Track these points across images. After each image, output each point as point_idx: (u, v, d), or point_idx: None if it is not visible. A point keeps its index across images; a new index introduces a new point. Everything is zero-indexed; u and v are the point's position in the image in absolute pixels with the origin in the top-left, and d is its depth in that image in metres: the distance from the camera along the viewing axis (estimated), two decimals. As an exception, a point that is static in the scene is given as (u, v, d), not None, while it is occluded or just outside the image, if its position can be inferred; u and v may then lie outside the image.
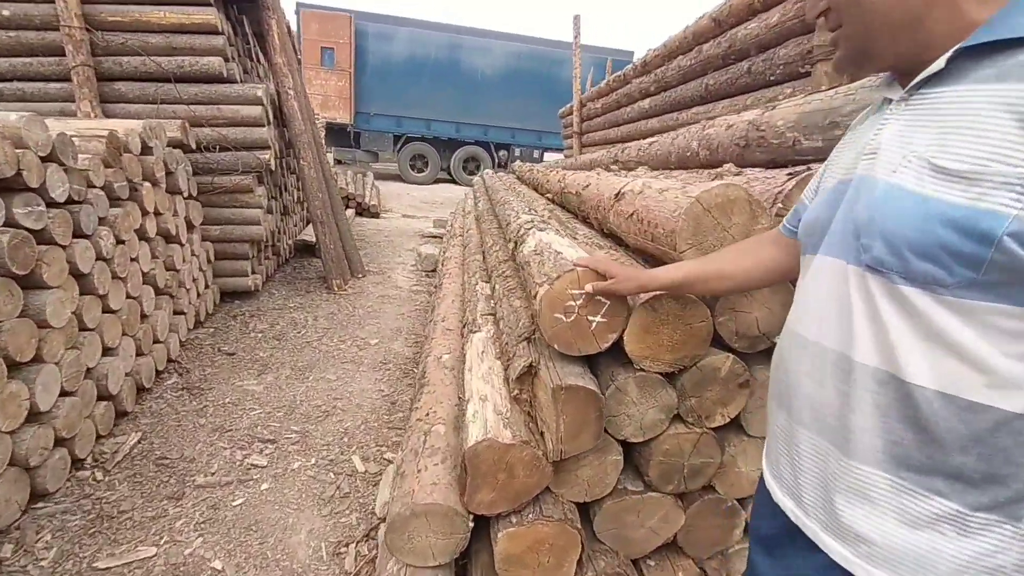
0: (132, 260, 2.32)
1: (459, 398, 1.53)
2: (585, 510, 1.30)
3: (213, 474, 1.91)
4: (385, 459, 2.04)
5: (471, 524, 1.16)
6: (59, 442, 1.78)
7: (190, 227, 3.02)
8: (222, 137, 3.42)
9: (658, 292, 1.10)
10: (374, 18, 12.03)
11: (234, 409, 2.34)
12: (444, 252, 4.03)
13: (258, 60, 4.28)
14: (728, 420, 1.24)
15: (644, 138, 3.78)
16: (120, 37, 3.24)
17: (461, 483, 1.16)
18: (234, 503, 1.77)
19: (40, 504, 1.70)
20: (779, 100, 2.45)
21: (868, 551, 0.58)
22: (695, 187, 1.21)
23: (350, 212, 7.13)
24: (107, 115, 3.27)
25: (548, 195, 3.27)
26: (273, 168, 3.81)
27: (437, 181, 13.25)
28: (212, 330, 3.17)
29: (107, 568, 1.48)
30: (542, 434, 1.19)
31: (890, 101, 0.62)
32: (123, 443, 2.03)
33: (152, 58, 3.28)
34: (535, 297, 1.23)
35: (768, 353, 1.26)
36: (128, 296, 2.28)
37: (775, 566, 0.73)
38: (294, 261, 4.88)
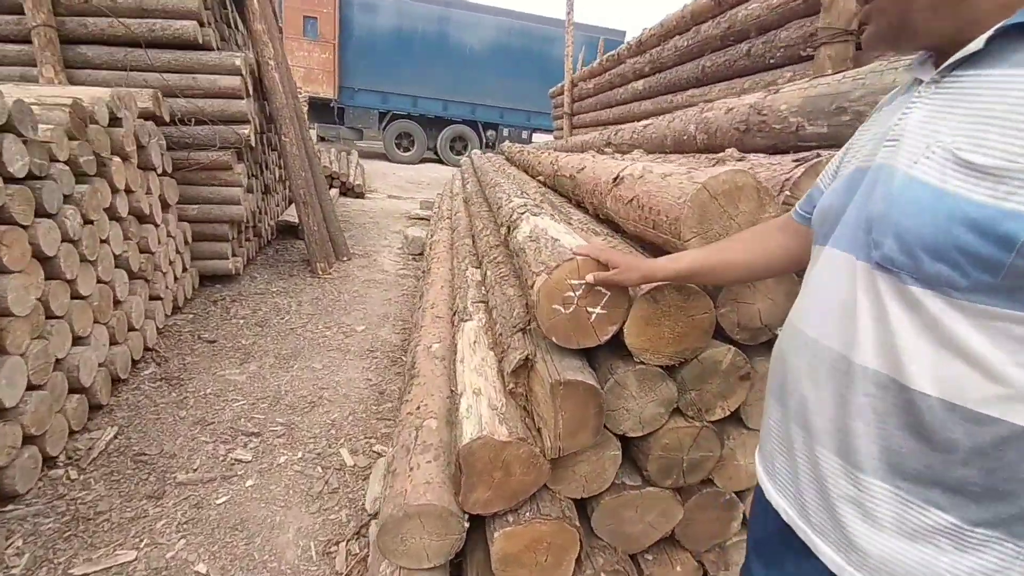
0: (102, 242, 2.19)
1: (451, 391, 1.48)
2: (582, 506, 1.27)
3: (195, 470, 1.84)
4: (374, 452, 1.99)
5: (466, 524, 1.12)
6: (28, 440, 1.68)
7: (165, 206, 2.88)
8: (198, 109, 3.25)
9: (661, 283, 1.06)
10: (359, -13, 11.57)
11: (216, 400, 2.26)
12: (432, 235, 3.93)
13: (236, 27, 4.05)
14: (728, 413, 1.22)
15: (637, 120, 3.70)
16: (84, -4, 3.02)
17: (456, 482, 1.12)
18: (218, 501, 1.71)
19: (10, 507, 1.61)
20: (779, 84, 2.39)
21: (860, 560, 0.56)
22: (700, 172, 1.16)
23: (334, 192, 6.94)
24: (72, 81, 3.06)
25: (540, 177, 3.19)
26: (253, 144, 3.65)
27: (423, 161, 12.99)
28: (191, 316, 3.06)
29: (84, 574, 1.41)
30: (539, 430, 1.15)
31: (920, 83, 0.57)
32: (98, 439, 1.94)
33: (120, 20, 3.06)
34: (532, 287, 1.17)
35: (770, 345, 1.23)
36: (99, 280, 2.16)
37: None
38: (276, 243, 4.73)
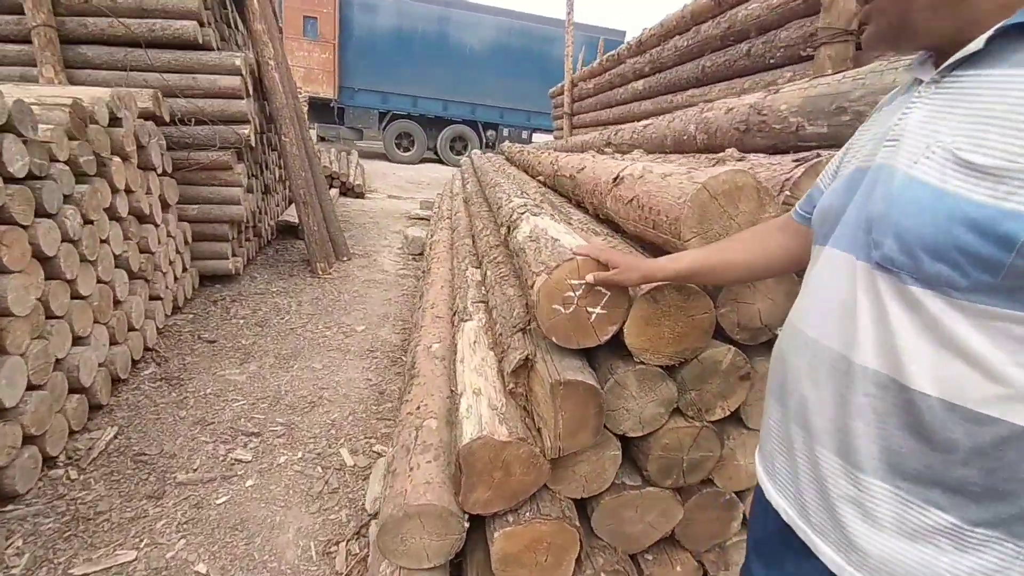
0: (102, 242, 2.19)
1: (451, 391, 1.48)
2: (582, 506, 1.27)
3: (195, 470, 1.84)
4: (374, 452, 1.99)
5: (466, 524, 1.12)
6: (28, 440, 1.68)
7: (165, 206, 2.88)
8: (198, 109, 3.25)
9: (661, 283, 1.06)
10: (359, -13, 11.57)
11: (216, 400, 2.26)
12: (432, 235, 3.93)
13: (236, 27, 4.05)
14: (728, 413, 1.22)
15: (637, 120, 3.70)
16: (84, -4, 3.02)
17: (456, 482, 1.12)
18: (218, 501, 1.71)
19: (10, 507, 1.61)
20: (778, 84, 2.39)
21: (860, 560, 0.56)
22: (700, 172, 1.16)
23: (334, 192, 6.94)
24: (72, 81, 3.06)
25: (540, 177, 3.19)
26: (253, 144, 3.65)
27: (423, 161, 12.98)
28: (191, 316, 3.06)
29: (84, 574, 1.41)
30: (539, 430, 1.15)
31: (920, 83, 0.57)
32: (98, 439, 1.94)
33: (120, 20, 3.06)
34: (532, 287, 1.17)
35: (770, 345, 1.23)
36: (99, 280, 2.16)
37: None
38: (276, 243, 4.73)
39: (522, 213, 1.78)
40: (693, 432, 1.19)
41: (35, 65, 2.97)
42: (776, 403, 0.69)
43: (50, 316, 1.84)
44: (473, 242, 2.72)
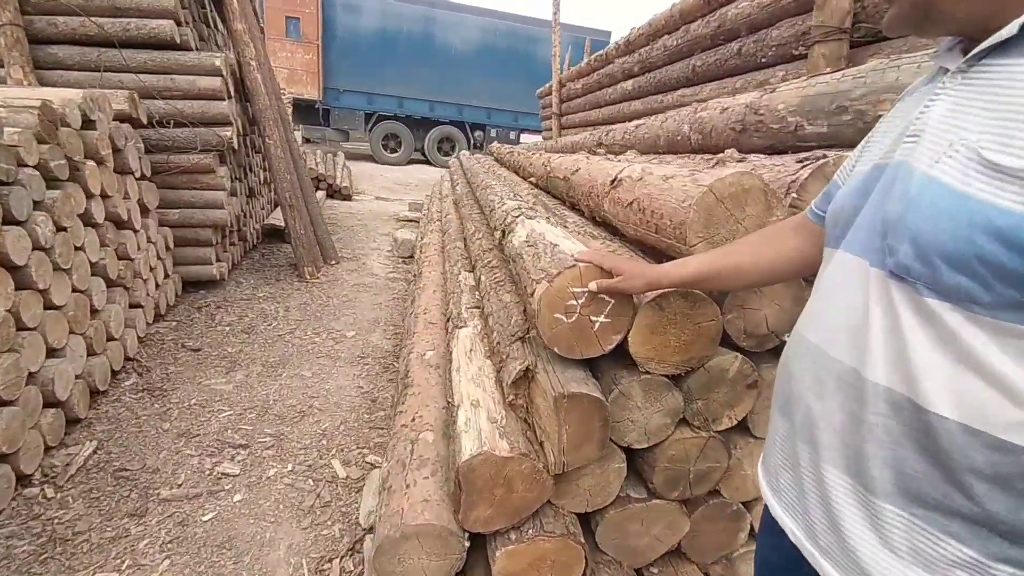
0: (77, 249, 2.10)
1: (447, 401, 1.43)
2: (585, 520, 1.23)
3: (180, 486, 1.76)
4: (367, 463, 1.93)
5: (467, 543, 1.08)
6: (0, 458, 1.60)
7: (144, 211, 2.78)
8: (177, 111, 3.14)
9: (667, 290, 1.02)
10: (342, -14, 11.41)
11: (201, 411, 2.18)
12: (422, 238, 3.87)
13: (215, 27, 3.94)
14: (735, 423, 1.19)
15: (627, 120, 3.67)
16: (53, -7, 2.90)
17: (455, 500, 1.07)
18: (204, 518, 1.63)
19: (-20, 528, 1.52)
20: (771, 83, 2.38)
21: None
22: (704, 175, 1.12)
23: (321, 194, 6.82)
24: (43, 83, 2.94)
25: (531, 179, 3.15)
26: (236, 146, 3.55)
27: (411, 162, 12.88)
28: (174, 324, 2.96)
29: (60, 599, 1.34)
30: (541, 444, 1.11)
31: (945, 72, 0.52)
32: (76, 454, 1.85)
33: (92, 19, 2.95)
34: (532, 295, 1.13)
35: (777, 351, 1.21)
36: (74, 289, 2.06)
37: None
38: (262, 247, 4.62)
39: (517, 216, 1.73)
40: (700, 443, 1.16)
41: (2, 66, 2.85)
42: (781, 416, 0.65)
43: (21, 328, 1.75)
44: (465, 245, 2.67)
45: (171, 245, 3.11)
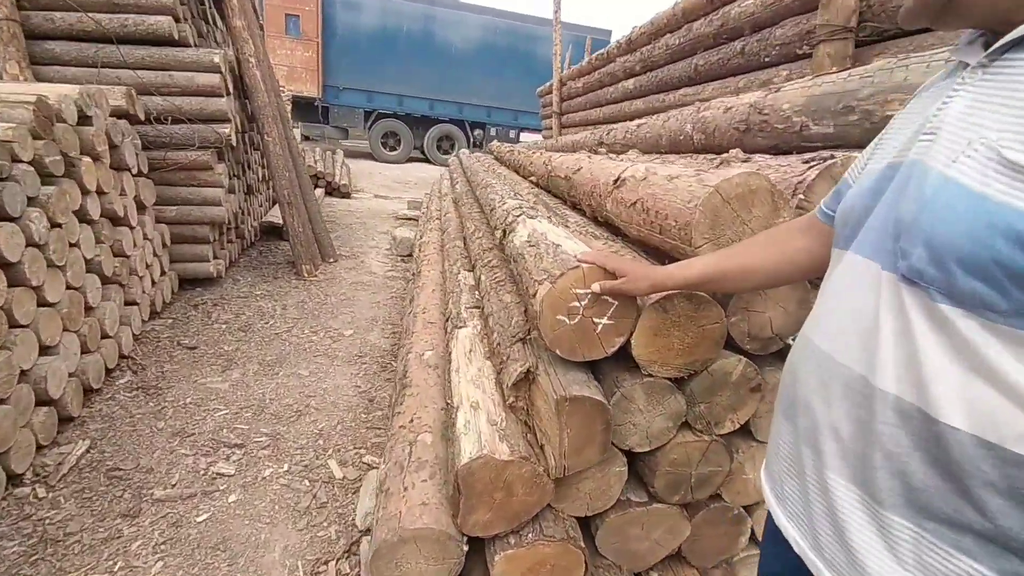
0: (71, 245, 2.07)
1: (446, 403, 1.41)
2: (585, 523, 1.21)
3: (174, 486, 1.74)
4: (364, 463, 1.91)
5: (466, 548, 1.06)
6: (-11, 457, 1.57)
7: (141, 208, 2.75)
8: (175, 108, 3.11)
9: (672, 292, 1.00)
10: (342, -16, 11.36)
11: (196, 410, 2.15)
12: (421, 236, 3.85)
13: (214, 23, 3.92)
14: (738, 426, 1.17)
15: (628, 120, 3.66)
16: (51, -12, 2.88)
17: (454, 503, 1.05)
18: (198, 519, 1.61)
19: (-30, 529, 1.50)
20: (775, 82, 2.37)
21: None
22: (710, 175, 1.10)
23: (319, 192, 6.79)
24: (40, 78, 2.91)
25: (532, 178, 3.13)
26: (234, 143, 3.52)
27: (410, 160, 12.84)
28: (170, 321, 2.93)
29: (50, 602, 1.31)
30: (542, 447, 1.09)
31: (966, 66, 0.50)
32: (69, 453, 1.83)
33: (90, 15, 2.92)
34: (534, 296, 1.11)
35: (781, 354, 1.19)
36: (68, 286, 2.04)
37: None
38: (260, 245, 4.59)
39: (518, 216, 1.71)
40: (702, 446, 1.15)
41: (-1, 60, 2.81)
42: (785, 420, 0.63)
43: (14, 325, 1.73)
44: (465, 244, 2.65)
45: (168, 242, 3.08)
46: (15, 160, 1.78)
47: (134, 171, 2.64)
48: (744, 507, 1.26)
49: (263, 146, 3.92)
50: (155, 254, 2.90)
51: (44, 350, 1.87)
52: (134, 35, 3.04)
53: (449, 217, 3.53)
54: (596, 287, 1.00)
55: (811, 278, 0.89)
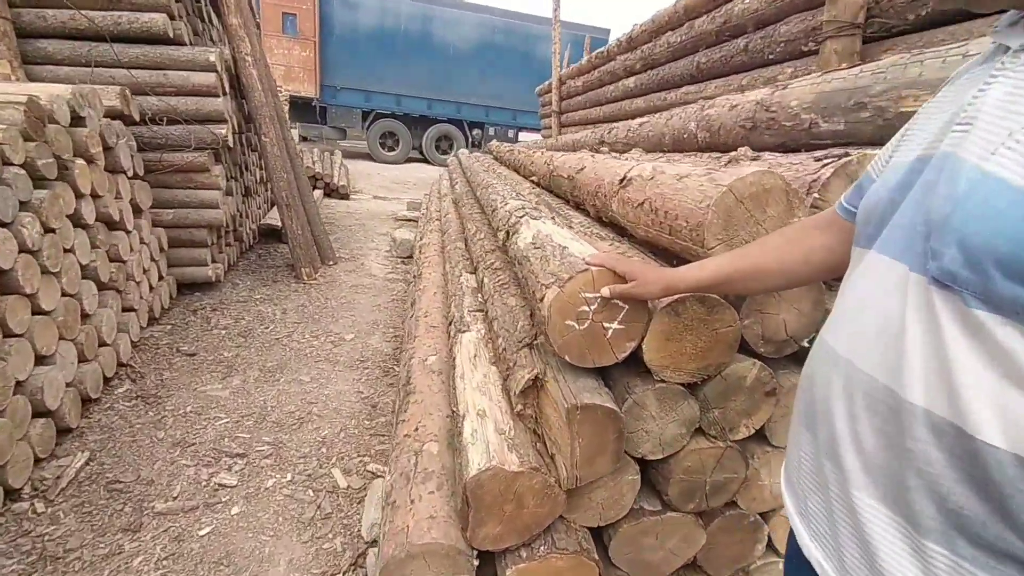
0: (66, 251, 2.03)
1: (452, 410, 1.38)
2: (597, 533, 1.18)
3: (175, 498, 1.70)
4: (368, 471, 1.88)
5: (476, 562, 1.03)
6: (-15, 471, 1.54)
7: (137, 211, 2.71)
8: (171, 108, 3.07)
9: (684, 294, 0.97)
10: (339, -17, 11.31)
11: (197, 419, 2.12)
12: (421, 238, 3.81)
13: (210, 21, 3.87)
14: (753, 432, 1.14)
15: (628, 118, 3.63)
16: (42, -15, 2.83)
17: (463, 516, 1.02)
18: (201, 532, 1.58)
19: (-34, 546, 1.46)
20: (780, 80, 2.33)
21: None
22: (722, 174, 1.07)
23: (318, 193, 6.74)
24: (32, 78, 2.87)
25: (533, 178, 3.09)
26: (232, 144, 3.48)
27: (408, 160, 12.79)
28: (169, 327, 2.89)
29: (49, 620, 1.28)
30: (552, 457, 1.06)
31: (1006, 50, 0.46)
32: (67, 466, 1.79)
33: (83, 12, 2.87)
34: (541, 300, 1.08)
35: (795, 357, 1.16)
36: (64, 293, 2.00)
37: None
38: (258, 248, 4.56)
39: (521, 217, 1.68)
40: (717, 453, 1.12)
41: (-10, 61, 2.77)
42: (806, 429, 0.59)
43: (8, 335, 1.69)
44: (466, 246, 2.61)
45: (165, 246, 3.04)
46: (6, 163, 1.74)
47: (129, 173, 2.60)
48: (760, 514, 1.23)
49: (260, 147, 3.89)
50: (152, 258, 2.86)
51: (40, 360, 1.83)
52: (128, 33, 3.00)
53: (449, 218, 3.49)
54: (606, 291, 0.97)
55: (829, 279, 0.85)
